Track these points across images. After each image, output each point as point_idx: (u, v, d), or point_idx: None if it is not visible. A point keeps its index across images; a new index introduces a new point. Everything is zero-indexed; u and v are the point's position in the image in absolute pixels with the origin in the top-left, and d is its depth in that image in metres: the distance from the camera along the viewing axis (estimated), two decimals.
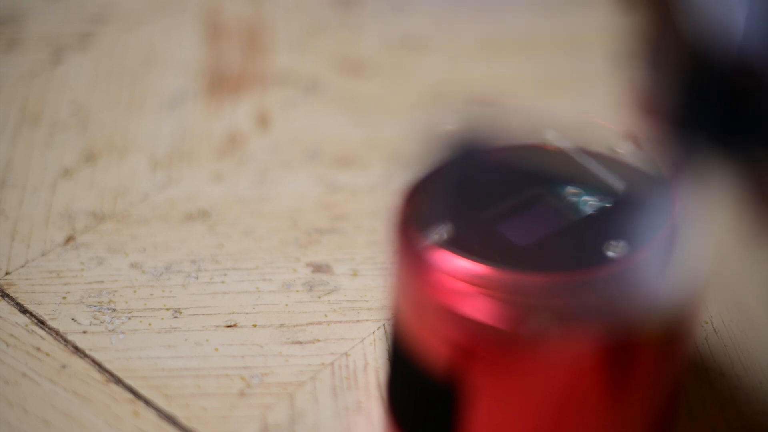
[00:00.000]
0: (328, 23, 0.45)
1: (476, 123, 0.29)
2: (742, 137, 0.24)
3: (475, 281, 0.25)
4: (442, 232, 0.26)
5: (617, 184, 0.27)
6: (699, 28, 0.23)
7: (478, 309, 0.25)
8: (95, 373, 0.32)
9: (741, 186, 0.25)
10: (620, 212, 0.27)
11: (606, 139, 0.28)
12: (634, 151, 0.28)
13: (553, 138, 0.28)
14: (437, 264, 0.26)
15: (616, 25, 0.45)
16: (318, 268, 0.35)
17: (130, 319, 0.33)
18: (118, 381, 0.32)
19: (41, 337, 0.33)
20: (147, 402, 0.31)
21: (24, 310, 0.33)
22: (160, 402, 0.31)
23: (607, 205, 0.27)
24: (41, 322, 0.33)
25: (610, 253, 0.26)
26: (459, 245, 0.26)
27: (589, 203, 0.27)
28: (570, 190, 0.27)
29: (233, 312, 0.34)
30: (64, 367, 0.32)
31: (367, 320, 0.34)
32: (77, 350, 0.32)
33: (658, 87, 0.24)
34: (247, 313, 0.34)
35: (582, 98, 0.42)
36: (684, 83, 0.24)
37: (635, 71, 0.25)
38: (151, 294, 0.34)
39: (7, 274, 0.35)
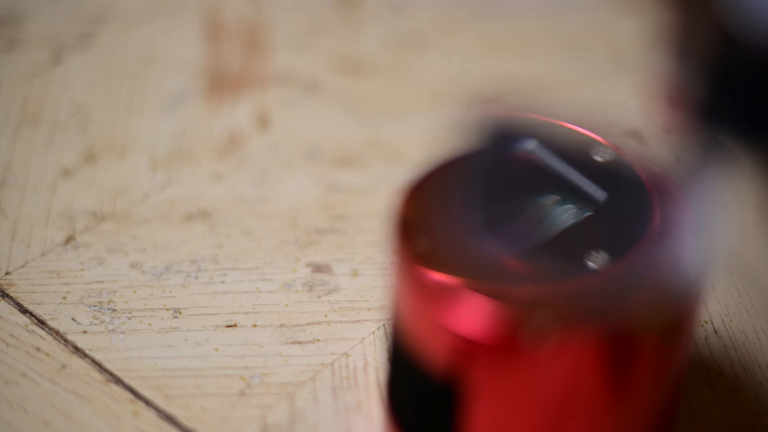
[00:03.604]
0: (328, 23, 0.45)
1: (477, 123, 0.29)
2: None
3: (468, 285, 0.25)
4: (431, 239, 0.26)
5: (600, 192, 0.27)
6: (729, 17, 0.23)
7: (474, 312, 0.25)
8: (95, 373, 0.32)
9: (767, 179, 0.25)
10: (605, 221, 0.27)
11: (596, 145, 0.28)
12: (630, 148, 0.28)
13: (537, 146, 0.28)
14: (428, 273, 0.26)
15: (618, 25, 0.45)
16: (318, 268, 0.35)
17: (130, 319, 0.33)
18: (118, 381, 0.32)
19: (41, 337, 0.33)
20: (147, 402, 0.31)
21: (24, 310, 0.33)
22: (160, 402, 0.31)
23: (592, 214, 0.27)
24: (41, 322, 0.33)
25: (592, 264, 0.26)
26: (451, 251, 0.26)
27: (574, 212, 0.27)
28: (554, 199, 0.27)
29: (233, 312, 0.34)
30: (64, 367, 0.32)
31: (367, 320, 0.34)
32: (77, 350, 0.32)
33: (685, 77, 0.24)
34: (247, 313, 0.34)
35: (583, 99, 0.42)
36: (712, 74, 0.24)
37: (662, 61, 0.25)
38: (151, 294, 0.34)
39: (7, 274, 0.35)
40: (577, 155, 0.28)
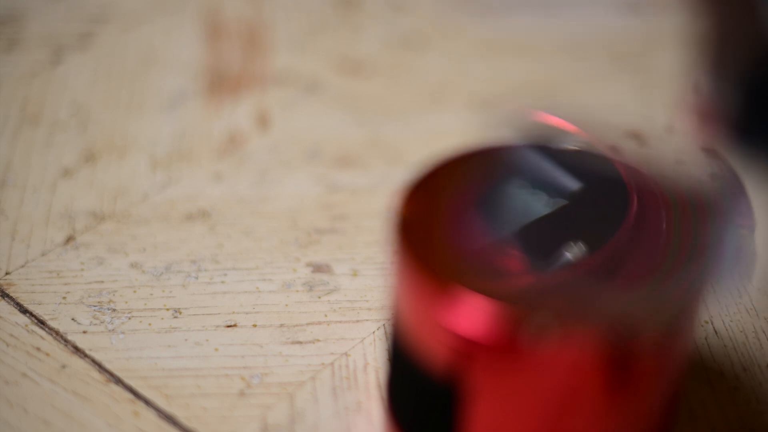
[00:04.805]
0: (328, 23, 0.45)
1: (480, 124, 0.29)
2: None
3: (467, 284, 0.25)
4: (432, 240, 0.26)
5: (581, 182, 0.27)
6: (764, 33, 0.23)
7: (473, 312, 0.25)
8: (95, 373, 0.32)
9: None
10: (584, 210, 0.27)
11: (592, 138, 0.28)
12: (629, 149, 0.28)
13: (533, 139, 0.28)
14: (428, 274, 0.26)
15: (618, 26, 0.45)
16: (318, 268, 0.35)
17: (130, 319, 0.33)
18: (118, 381, 0.32)
19: (41, 337, 0.33)
20: (147, 402, 0.31)
21: (24, 310, 0.33)
22: (160, 402, 0.31)
23: (582, 204, 0.27)
24: (41, 322, 0.33)
25: (568, 255, 0.26)
26: (450, 250, 0.26)
27: (560, 202, 0.27)
28: (537, 187, 0.27)
29: (233, 312, 0.34)
30: (64, 367, 0.32)
31: (367, 320, 0.34)
32: (77, 350, 0.32)
33: (719, 91, 0.24)
34: (247, 313, 0.34)
35: (583, 100, 0.42)
36: (748, 87, 0.23)
37: (696, 75, 0.25)
38: (151, 294, 0.34)
39: (7, 274, 0.35)
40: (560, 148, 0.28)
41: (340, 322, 0.33)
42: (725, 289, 0.25)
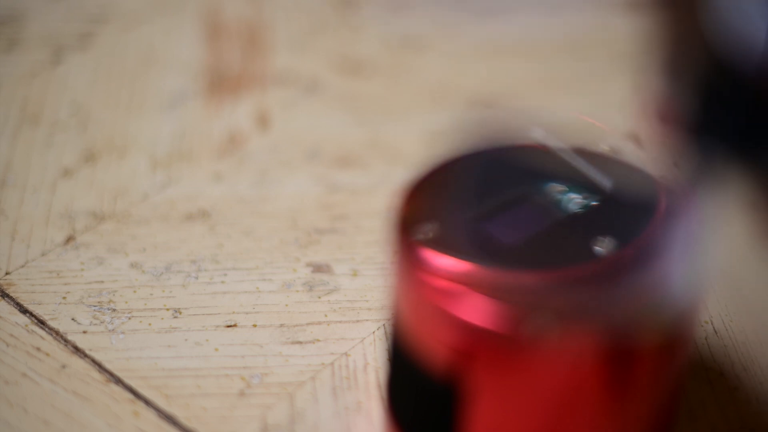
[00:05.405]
0: (328, 23, 0.45)
1: (478, 124, 0.29)
2: (761, 146, 0.24)
3: (469, 282, 0.25)
4: (431, 232, 0.26)
5: (606, 181, 0.27)
6: (720, 35, 0.23)
7: (474, 311, 0.25)
8: (95, 373, 0.32)
9: (758, 194, 0.25)
10: (609, 209, 0.27)
11: (599, 139, 0.28)
12: (628, 150, 0.28)
13: (542, 137, 0.28)
14: (430, 265, 0.26)
15: (618, 26, 0.45)
16: (318, 268, 0.35)
17: (130, 319, 0.33)
18: (118, 381, 0.32)
19: (41, 337, 0.33)
20: (147, 402, 0.31)
21: (24, 310, 0.33)
22: (160, 402, 0.31)
23: (596, 203, 0.27)
24: (41, 322, 0.33)
25: (597, 249, 0.26)
26: (452, 246, 0.26)
27: (578, 201, 0.27)
28: (559, 188, 0.27)
29: (233, 312, 0.34)
30: (64, 367, 0.32)
31: (367, 320, 0.34)
32: (77, 350, 0.32)
33: (675, 94, 0.24)
34: (247, 313, 0.34)
35: (583, 100, 0.42)
36: (703, 91, 0.24)
37: (652, 77, 0.25)
38: (151, 294, 0.34)
39: (7, 274, 0.35)
40: (583, 145, 0.28)
41: (340, 322, 0.33)
42: (682, 287, 0.25)
